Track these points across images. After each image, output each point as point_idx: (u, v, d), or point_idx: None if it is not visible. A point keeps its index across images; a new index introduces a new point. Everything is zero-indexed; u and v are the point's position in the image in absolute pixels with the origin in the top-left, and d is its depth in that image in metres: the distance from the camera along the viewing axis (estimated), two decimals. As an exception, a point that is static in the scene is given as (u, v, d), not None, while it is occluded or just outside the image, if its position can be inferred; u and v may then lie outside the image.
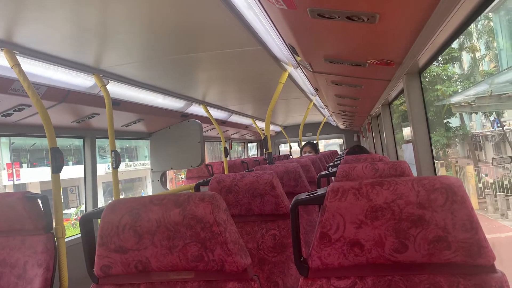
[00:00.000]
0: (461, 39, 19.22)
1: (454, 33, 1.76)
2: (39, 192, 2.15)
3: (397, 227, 1.03)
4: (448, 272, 1.03)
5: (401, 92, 3.50)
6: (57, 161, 2.24)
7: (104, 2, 1.70)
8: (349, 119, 7.50)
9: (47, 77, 2.47)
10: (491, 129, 19.89)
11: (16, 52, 2.12)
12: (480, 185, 14.68)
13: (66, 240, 2.33)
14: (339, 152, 9.77)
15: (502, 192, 13.26)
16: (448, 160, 19.16)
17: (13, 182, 16.39)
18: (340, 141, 12.19)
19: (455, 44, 18.95)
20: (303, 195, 1.16)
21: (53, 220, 2.12)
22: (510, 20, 16.42)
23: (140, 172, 22.35)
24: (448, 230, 1.00)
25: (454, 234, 1.00)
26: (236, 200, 2.05)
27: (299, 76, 3.78)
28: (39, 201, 2.05)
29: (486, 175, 15.71)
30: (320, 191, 1.13)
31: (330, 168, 2.61)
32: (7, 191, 3.04)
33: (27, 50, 2.18)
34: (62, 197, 2.34)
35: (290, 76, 3.55)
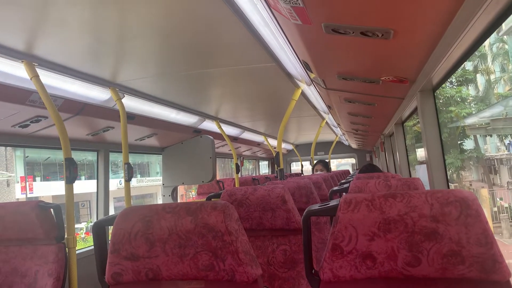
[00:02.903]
0: (476, 62, 19.17)
1: (468, 50, 1.76)
2: (51, 206, 2.16)
3: (410, 240, 1.01)
4: None
5: (415, 110, 3.49)
6: (71, 172, 2.26)
7: (121, 18, 1.74)
8: (361, 138, 7.47)
9: (64, 90, 2.51)
10: (506, 152, 19.61)
11: (35, 64, 2.17)
12: (495, 209, 14.42)
13: (77, 252, 2.33)
14: (351, 172, 9.71)
15: (518, 216, 13.01)
16: (462, 183, 18.89)
17: (26, 195, 16.50)
18: (353, 160, 12.12)
19: (469, 66, 18.90)
20: (315, 206, 1.15)
21: (65, 230, 2.13)
22: (526, 43, 16.36)
23: (151, 188, 22.39)
24: (462, 244, 0.99)
25: (468, 248, 0.98)
26: (247, 214, 2.04)
27: (312, 93, 3.79)
28: (52, 210, 2.07)
29: (501, 199, 15.43)
30: (332, 202, 1.12)
31: (342, 185, 2.60)
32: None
33: (46, 62, 2.22)
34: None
35: (303, 93, 3.56)
